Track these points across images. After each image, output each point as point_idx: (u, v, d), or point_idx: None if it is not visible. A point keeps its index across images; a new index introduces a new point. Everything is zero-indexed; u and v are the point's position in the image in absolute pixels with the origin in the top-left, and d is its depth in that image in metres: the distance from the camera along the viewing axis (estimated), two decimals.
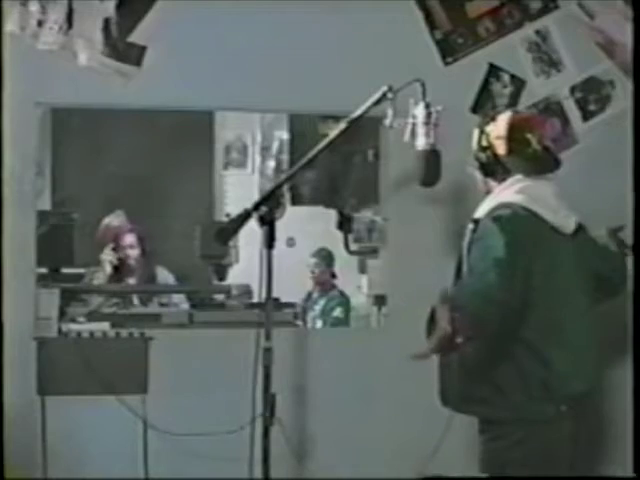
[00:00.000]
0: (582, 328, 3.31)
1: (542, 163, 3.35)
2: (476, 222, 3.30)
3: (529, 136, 3.33)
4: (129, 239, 5.83)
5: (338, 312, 6.61)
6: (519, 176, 3.32)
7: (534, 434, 3.21)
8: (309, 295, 6.81)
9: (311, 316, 6.09)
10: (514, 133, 3.32)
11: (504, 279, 3.11)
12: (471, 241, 3.28)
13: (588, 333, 3.33)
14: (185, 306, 5.33)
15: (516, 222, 3.23)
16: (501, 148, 3.33)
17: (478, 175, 3.41)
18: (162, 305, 5.35)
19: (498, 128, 3.34)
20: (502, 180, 3.35)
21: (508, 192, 3.31)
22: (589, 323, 3.35)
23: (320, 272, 6.87)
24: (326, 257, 6.89)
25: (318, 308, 6.71)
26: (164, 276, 5.96)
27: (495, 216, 3.24)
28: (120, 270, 5.76)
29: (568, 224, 3.35)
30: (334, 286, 6.87)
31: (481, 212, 3.33)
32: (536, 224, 3.27)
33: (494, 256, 3.13)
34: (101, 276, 5.75)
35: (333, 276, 6.94)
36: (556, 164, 3.39)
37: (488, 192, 3.39)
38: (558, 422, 3.23)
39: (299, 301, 5.45)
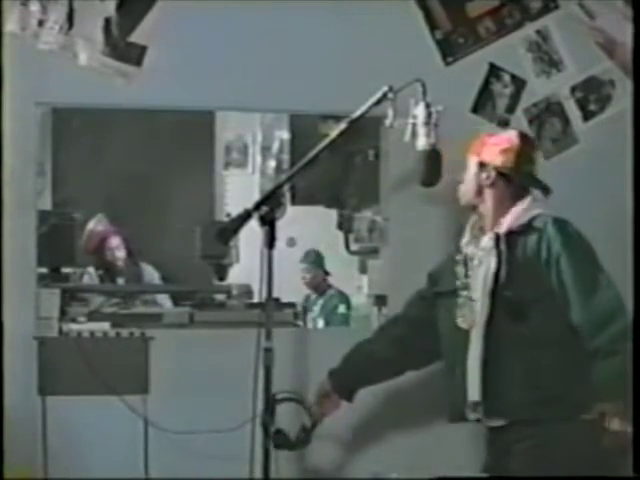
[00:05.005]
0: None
1: (539, 184, 3.36)
2: (498, 236, 3.29)
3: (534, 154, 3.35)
4: (114, 242, 5.90)
5: (342, 309, 6.57)
6: (531, 198, 3.33)
7: None
8: (307, 297, 6.80)
9: (310, 317, 6.10)
10: (524, 148, 3.32)
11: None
12: (508, 257, 3.24)
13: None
14: (168, 303, 5.35)
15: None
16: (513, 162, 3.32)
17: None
18: (146, 303, 5.37)
19: (506, 142, 3.33)
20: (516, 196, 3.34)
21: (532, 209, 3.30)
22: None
23: (312, 276, 6.84)
24: (315, 260, 6.85)
25: (317, 309, 6.69)
26: (149, 272, 5.99)
27: (562, 221, 3.25)
28: (109, 272, 5.80)
29: None
30: (330, 285, 6.84)
31: (508, 226, 3.30)
32: None
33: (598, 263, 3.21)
34: (87, 278, 5.79)
35: (326, 274, 6.91)
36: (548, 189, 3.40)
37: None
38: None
39: (299, 301, 5.45)
